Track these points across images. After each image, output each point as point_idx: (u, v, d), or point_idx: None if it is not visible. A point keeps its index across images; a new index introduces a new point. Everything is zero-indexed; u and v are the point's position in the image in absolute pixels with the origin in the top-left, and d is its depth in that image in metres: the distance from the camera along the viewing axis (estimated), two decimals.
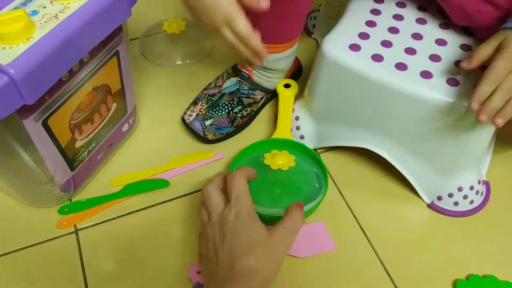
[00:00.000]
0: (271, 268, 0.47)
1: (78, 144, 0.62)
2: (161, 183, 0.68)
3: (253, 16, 0.63)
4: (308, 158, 0.68)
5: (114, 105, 0.66)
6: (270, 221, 0.56)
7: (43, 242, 0.63)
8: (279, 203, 0.60)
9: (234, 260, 0.46)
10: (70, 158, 0.62)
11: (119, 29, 0.60)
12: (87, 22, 0.50)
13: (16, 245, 0.62)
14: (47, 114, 0.54)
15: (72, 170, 0.64)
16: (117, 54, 0.61)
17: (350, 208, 0.67)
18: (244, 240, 0.47)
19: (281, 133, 0.71)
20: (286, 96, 0.75)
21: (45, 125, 0.54)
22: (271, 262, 0.47)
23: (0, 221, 0.65)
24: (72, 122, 0.59)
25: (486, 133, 0.61)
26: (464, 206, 0.66)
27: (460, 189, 0.65)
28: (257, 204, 0.57)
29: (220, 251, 0.48)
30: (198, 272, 0.59)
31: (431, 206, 0.67)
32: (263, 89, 0.74)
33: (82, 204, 0.66)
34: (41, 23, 0.48)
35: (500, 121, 0.51)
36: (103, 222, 0.65)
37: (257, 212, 0.50)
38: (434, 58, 0.62)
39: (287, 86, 0.76)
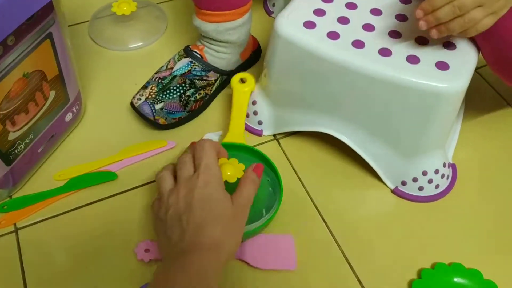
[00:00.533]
0: (235, 241, 0.47)
1: (11, 136, 0.57)
2: (108, 176, 0.64)
3: None
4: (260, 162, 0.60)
5: (53, 93, 0.61)
6: None
7: None
8: None
9: (201, 229, 0.45)
10: (4, 152, 0.57)
11: (50, 9, 0.55)
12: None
13: None
14: None
15: (7, 164, 0.59)
16: (50, 36, 0.56)
17: (310, 196, 0.63)
18: (212, 210, 0.46)
19: (233, 135, 0.64)
20: (242, 92, 0.67)
21: None
22: (235, 234, 0.47)
23: None
24: (2, 112, 0.54)
25: (449, 113, 0.58)
26: (429, 190, 0.63)
27: (424, 173, 0.62)
28: None
29: (185, 218, 0.45)
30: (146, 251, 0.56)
31: (395, 191, 0.64)
32: (216, 70, 0.70)
33: (23, 201, 0.61)
34: None
35: (435, 33, 0.51)
36: (46, 219, 0.60)
37: None
38: (394, 34, 0.58)
39: (243, 81, 0.68)
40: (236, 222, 0.48)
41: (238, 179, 0.54)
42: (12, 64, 0.52)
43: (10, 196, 0.62)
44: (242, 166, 0.56)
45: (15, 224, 0.60)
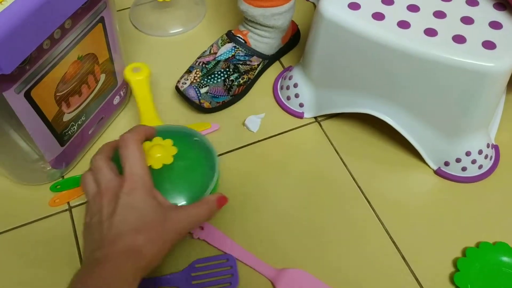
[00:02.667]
0: (157, 252, 0.43)
1: (66, 117, 0.60)
2: None
3: None
4: (190, 141, 0.56)
5: (103, 76, 0.63)
6: None
7: (37, 220, 0.60)
8: (173, 199, 0.50)
9: (120, 235, 0.42)
10: (59, 133, 0.60)
11: None
12: None
13: (8, 224, 0.60)
14: (30, 85, 0.51)
15: (62, 145, 0.61)
16: (102, 20, 0.58)
17: (353, 177, 0.64)
18: (136, 217, 0.43)
19: (147, 120, 0.62)
20: (138, 81, 0.63)
21: (28, 97, 0.51)
22: (158, 245, 0.43)
23: None
24: (58, 94, 0.56)
25: (495, 93, 0.58)
26: (472, 171, 0.63)
27: (468, 154, 0.62)
28: None
29: (106, 224, 0.43)
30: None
31: (438, 172, 0.64)
32: (259, 54, 0.71)
33: (75, 181, 0.64)
34: None
35: None
36: None
37: None
38: (439, 14, 0.58)
39: (136, 70, 0.64)
40: (165, 232, 0.43)
41: (165, 165, 0.50)
42: (68, 47, 0.54)
43: (63, 176, 0.65)
44: (174, 150, 0.51)
45: (68, 203, 0.62)
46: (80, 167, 0.66)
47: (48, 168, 0.62)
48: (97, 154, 0.49)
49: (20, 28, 0.43)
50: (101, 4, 0.57)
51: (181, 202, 0.50)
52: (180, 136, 0.55)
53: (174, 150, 0.51)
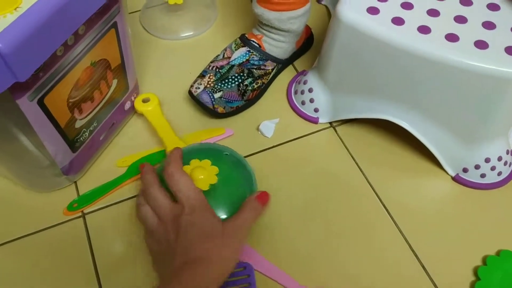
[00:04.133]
0: (228, 256, 0.46)
1: (78, 124, 0.59)
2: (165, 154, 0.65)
3: None
4: (230, 160, 0.58)
5: (115, 82, 0.62)
6: None
7: (50, 227, 0.60)
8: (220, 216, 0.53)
9: (189, 248, 0.45)
10: (71, 139, 0.59)
11: None
12: None
13: (22, 231, 0.59)
14: (43, 93, 0.50)
15: (73, 151, 0.60)
16: (115, 26, 0.57)
17: (370, 184, 0.63)
18: (198, 232, 0.46)
19: (171, 145, 0.64)
20: (149, 111, 0.67)
21: (41, 104, 0.50)
22: (227, 250, 0.47)
23: (5, 207, 0.61)
24: (71, 100, 0.55)
25: None
26: (491, 178, 0.62)
27: (487, 160, 0.61)
28: None
29: (173, 244, 0.46)
30: None
31: (456, 179, 0.63)
32: (274, 59, 0.70)
33: (91, 196, 0.62)
34: None
35: None
36: (110, 205, 0.62)
37: None
38: (460, 19, 0.57)
39: (145, 101, 0.68)
40: (227, 239, 0.47)
41: (212, 186, 0.52)
42: (81, 53, 0.53)
43: (75, 182, 0.64)
44: (215, 169, 0.54)
45: (82, 210, 0.61)
46: (92, 173, 0.65)
47: (59, 175, 0.61)
48: (149, 186, 0.52)
49: (35, 36, 0.42)
50: (115, 9, 0.56)
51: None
52: (212, 154, 0.57)
53: (215, 170, 0.54)
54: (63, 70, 0.51)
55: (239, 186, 0.55)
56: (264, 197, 0.51)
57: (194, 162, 0.54)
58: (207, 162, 0.54)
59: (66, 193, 0.63)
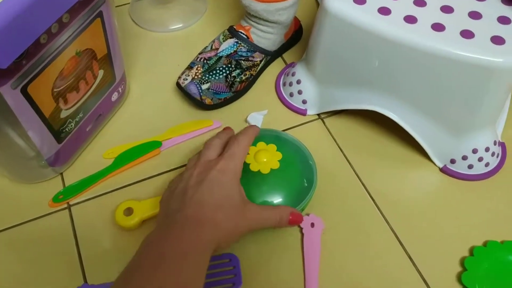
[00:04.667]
0: (231, 234, 0.46)
1: (63, 114, 0.58)
2: (153, 144, 0.64)
3: None
4: (296, 151, 0.60)
5: (101, 72, 0.62)
6: None
7: (35, 219, 0.59)
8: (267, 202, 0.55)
9: (202, 207, 0.45)
10: (56, 130, 0.58)
11: None
12: None
13: (7, 223, 0.59)
14: (27, 81, 0.49)
15: (59, 142, 0.60)
16: (100, 15, 0.57)
17: (357, 175, 0.63)
18: (221, 194, 0.46)
19: None
20: (129, 227, 0.57)
21: (24, 92, 0.50)
22: (234, 228, 0.46)
23: None
24: (55, 90, 0.55)
25: (503, 90, 0.56)
26: (479, 169, 0.62)
27: (474, 151, 0.61)
28: None
29: (190, 192, 0.46)
30: None
31: (443, 170, 0.63)
32: (262, 50, 0.69)
33: (76, 188, 0.62)
34: None
35: None
36: (96, 196, 0.61)
37: None
38: (446, 9, 0.57)
39: (129, 212, 0.58)
40: (240, 219, 0.47)
41: (272, 170, 0.53)
42: (66, 42, 0.53)
43: (61, 173, 0.63)
44: (279, 155, 0.55)
45: (67, 202, 0.61)
46: (78, 165, 0.64)
47: (45, 166, 0.61)
48: (216, 137, 0.54)
49: (16, 21, 0.42)
50: None
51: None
52: (279, 141, 0.59)
53: (279, 155, 0.54)
54: (47, 58, 0.50)
55: (298, 177, 0.57)
56: (295, 219, 0.52)
57: (260, 145, 0.56)
58: (273, 146, 0.56)
59: (52, 185, 0.62)
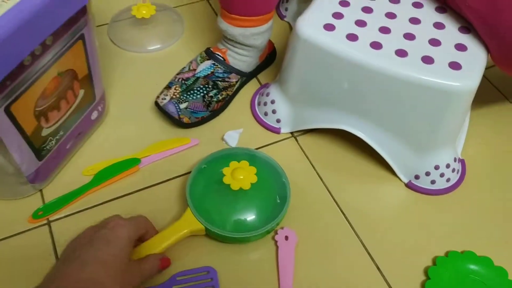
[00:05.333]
0: None
1: (44, 132, 0.60)
2: (132, 162, 0.66)
3: None
4: (269, 169, 0.63)
5: (82, 92, 0.64)
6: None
7: (14, 235, 0.60)
8: (241, 226, 0.59)
9: (86, 265, 0.45)
10: (37, 147, 0.59)
11: (84, 11, 0.57)
12: (46, 2, 0.47)
13: None
14: (10, 101, 0.51)
15: (39, 159, 0.61)
16: (82, 37, 0.59)
17: (329, 191, 0.66)
18: (106, 253, 0.47)
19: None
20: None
21: (7, 112, 0.51)
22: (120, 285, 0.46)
23: None
24: (37, 109, 0.56)
25: (461, 111, 0.61)
26: (441, 184, 0.67)
27: (436, 168, 0.65)
28: (219, 227, 0.57)
29: (78, 251, 0.47)
30: None
31: (408, 185, 0.67)
32: (238, 72, 0.73)
33: (56, 204, 0.63)
34: None
35: None
36: (76, 212, 0.63)
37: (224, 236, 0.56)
38: (409, 36, 0.61)
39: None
40: (124, 277, 0.47)
41: (253, 185, 0.57)
42: (49, 63, 0.54)
43: (41, 190, 0.64)
44: (253, 169, 0.58)
45: (47, 218, 0.62)
46: (58, 182, 0.65)
47: (25, 183, 0.62)
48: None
49: (3, 46, 0.44)
50: (82, 22, 0.57)
51: (247, 227, 0.58)
52: (248, 157, 0.62)
53: (253, 170, 0.58)
54: (30, 79, 0.52)
55: (272, 194, 0.61)
56: (165, 263, 0.54)
57: (233, 164, 0.59)
58: (245, 163, 0.59)
59: (31, 201, 0.63)
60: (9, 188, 0.63)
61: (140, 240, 0.55)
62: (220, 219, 0.59)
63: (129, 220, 0.52)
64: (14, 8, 0.45)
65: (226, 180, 0.58)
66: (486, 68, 0.61)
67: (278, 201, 0.61)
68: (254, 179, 0.58)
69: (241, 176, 0.57)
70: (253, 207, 0.60)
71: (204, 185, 0.61)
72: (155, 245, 0.55)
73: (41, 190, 0.65)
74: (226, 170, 0.59)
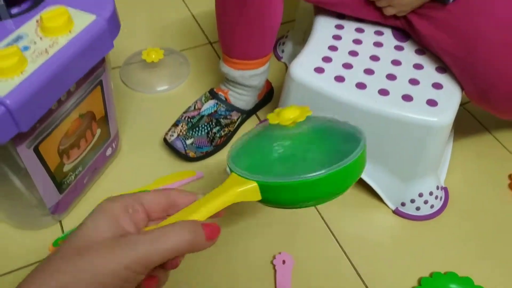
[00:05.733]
0: None
1: (66, 168, 0.66)
2: None
3: (229, 34, 0.68)
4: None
5: (99, 131, 0.71)
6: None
7: (38, 262, 0.65)
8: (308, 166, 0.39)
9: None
10: (59, 182, 0.66)
11: (102, 60, 0.65)
12: (74, 56, 0.55)
13: (10, 267, 0.65)
14: (38, 141, 0.58)
15: (60, 193, 0.68)
16: (100, 83, 0.66)
17: (322, 217, 0.72)
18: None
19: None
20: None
21: (36, 151, 0.58)
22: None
23: None
24: (61, 147, 0.63)
25: (439, 142, 0.68)
26: (425, 210, 0.73)
27: (420, 195, 0.71)
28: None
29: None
30: None
31: (396, 212, 0.73)
32: (239, 110, 0.80)
33: None
34: (32, 58, 0.52)
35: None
36: None
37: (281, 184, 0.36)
38: (390, 77, 0.69)
39: None
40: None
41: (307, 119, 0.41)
42: (71, 107, 0.62)
43: (60, 221, 0.71)
44: (308, 111, 0.42)
45: None
46: (75, 213, 0.72)
47: (46, 214, 0.68)
48: None
49: (37, 93, 0.51)
50: (101, 70, 0.65)
51: (318, 166, 0.37)
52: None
53: (308, 112, 0.42)
54: (56, 121, 0.60)
55: (341, 138, 0.43)
56: (213, 230, 0.34)
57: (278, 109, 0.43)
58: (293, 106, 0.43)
59: (51, 231, 0.69)
60: (32, 219, 0.69)
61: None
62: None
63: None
64: (48, 61, 0.52)
65: (272, 119, 0.42)
66: (468, 103, 0.67)
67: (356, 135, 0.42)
68: (309, 112, 0.42)
69: (291, 115, 0.41)
70: (317, 152, 0.41)
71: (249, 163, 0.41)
72: (189, 212, 0.36)
73: (60, 221, 0.71)
74: (270, 116, 0.43)
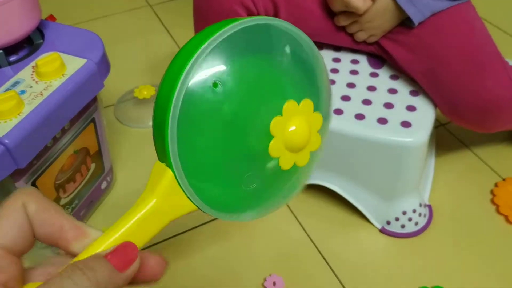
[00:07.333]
0: None
1: (62, 202, 0.70)
2: None
3: None
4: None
5: (93, 165, 0.75)
6: None
7: None
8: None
9: None
10: None
11: (94, 99, 0.69)
12: (67, 97, 0.59)
13: None
14: (36, 176, 0.62)
15: None
16: (93, 120, 0.71)
17: (311, 239, 0.75)
18: None
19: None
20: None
21: (33, 186, 0.62)
22: None
23: None
24: (57, 182, 0.67)
25: (416, 161, 0.71)
26: (410, 228, 0.75)
27: (404, 213, 0.74)
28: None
29: None
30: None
31: (382, 230, 0.76)
32: None
33: None
34: (29, 100, 0.57)
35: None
36: None
37: None
38: (366, 102, 0.73)
39: None
40: None
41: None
42: (66, 144, 0.66)
43: (58, 254, 0.74)
44: (318, 117, 0.30)
45: None
46: None
47: (44, 248, 0.71)
48: None
49: (33, 132, 0.55)
50: (93, 108, 0.70)
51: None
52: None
53: (318, 118, 0.30)
54: (52, 157, 0.63)
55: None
56: (126, 257, 0.24)
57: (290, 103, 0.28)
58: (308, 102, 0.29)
59: None
60: (30, 253, 0.72)
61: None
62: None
63: None
64: (43, 102, 0.56)
65: (273, 151, 0.28)
66: (448, 123, 0.71)
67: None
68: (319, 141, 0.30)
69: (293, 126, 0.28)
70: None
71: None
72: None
73: (58, 253, 0.73)
74: (275, 123, 0.27)
